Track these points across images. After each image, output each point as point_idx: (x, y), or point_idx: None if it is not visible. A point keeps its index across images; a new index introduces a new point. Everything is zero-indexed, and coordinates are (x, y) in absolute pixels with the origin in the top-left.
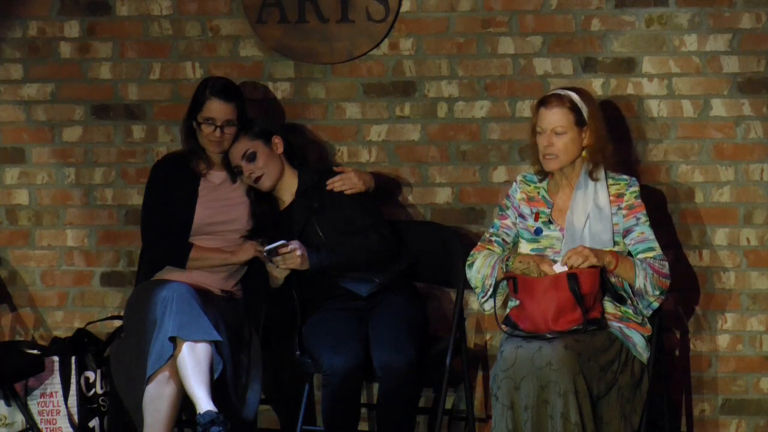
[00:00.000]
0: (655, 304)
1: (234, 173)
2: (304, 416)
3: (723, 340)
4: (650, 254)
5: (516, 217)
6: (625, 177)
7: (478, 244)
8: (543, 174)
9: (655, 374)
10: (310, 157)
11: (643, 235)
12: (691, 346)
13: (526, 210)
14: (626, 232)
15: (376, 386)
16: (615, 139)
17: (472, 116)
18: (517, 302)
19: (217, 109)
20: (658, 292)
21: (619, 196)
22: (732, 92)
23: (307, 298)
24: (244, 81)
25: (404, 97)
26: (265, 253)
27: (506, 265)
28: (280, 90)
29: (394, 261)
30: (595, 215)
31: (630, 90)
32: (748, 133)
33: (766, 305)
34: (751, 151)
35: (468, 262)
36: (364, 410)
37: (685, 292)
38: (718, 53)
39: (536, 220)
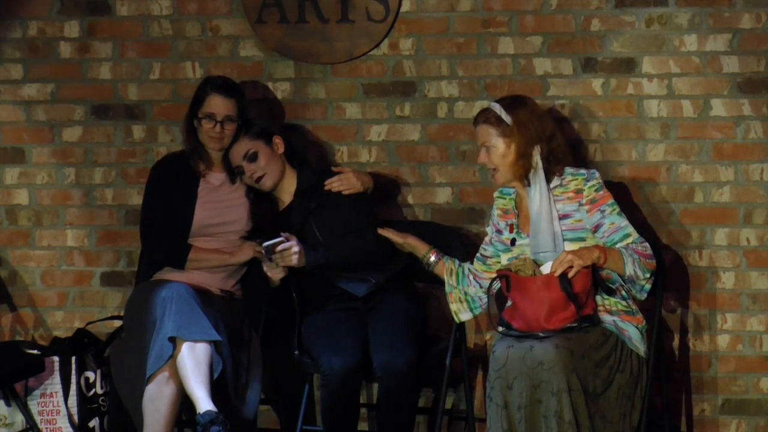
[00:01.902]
0: (648, 287)
1: (234, 174)
2: (304, 416)
3: (723, 340)
4: (628, 240)
5: (493, 233)
6: (583, 171)
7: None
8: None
9: (654, 374)
10: (310, 158)
11: (614, 226)
12: (691, 346)
13: (501, 224)
14: (595, 228)
15: (376, 386)
16: (615, 139)
17: (472, 116)
18: (510, 302)
19: (217, 104)
20: (648, 275)
21: (578, 192)
22: (732, 92)
23: (306, 299)
24: (244, 81)
25: (404, 97)
26: (262, 250)
27: (429, 263)
28: (280, 90)
29: (391, 261)
30: (538, 219)
31: (630, 90)
32: (748, 133)
33: (766, 305)
34: (751, 151)
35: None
36: (364, 410)
37: (685, 292)
38: (718, 53)
39: (511, 231)
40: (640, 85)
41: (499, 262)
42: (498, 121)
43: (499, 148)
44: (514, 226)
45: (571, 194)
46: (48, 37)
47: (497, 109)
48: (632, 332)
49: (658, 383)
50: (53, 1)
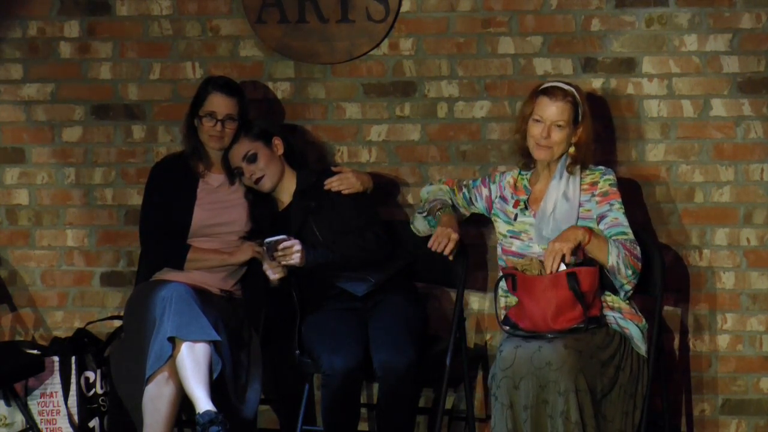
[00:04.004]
0: (628, 287)
1: (233, 175)
2: (304, 416)
3: (723, 340)
4: (622, 237)
5: (496, 196)
6: (601, 167)
7: (449, 179)
8: (528, 166)
9: (655, 374)
10: (310, 158)
11: (616, 221)
12: (691, 346)
13: (508, 193)
14: (600, 218)
15: (376, 386)
16: (614, 139)
17: (472, 116)
18: (515, 300)
19: (218, 103)
20: (630, 272)
21: (594, 184)
22: (732, 92)
23: (305, 298)
24: (244, 81)
25: (404, 97)
26: (264, 247)
27: (437, 215)
28: (280, 90)
29: (390, 260)
30: (561, 203)
31: (630, 90)
32: (748, 133)
33: (766, 305)
34: (751, 151)
35: (436, 185)
36: (364, 410)
37: (685, 292)
38: (718, 53)
39: (515, 206)
40: (640, 85)
41: (465, 207)
42: (575, 106)
43: (566, 131)
44: (521, 202)
45: (586, 186)
46: (48, 37)
47: (577, 96)
48: (633, 331)
49: (658, 383)
50: (53, 1)
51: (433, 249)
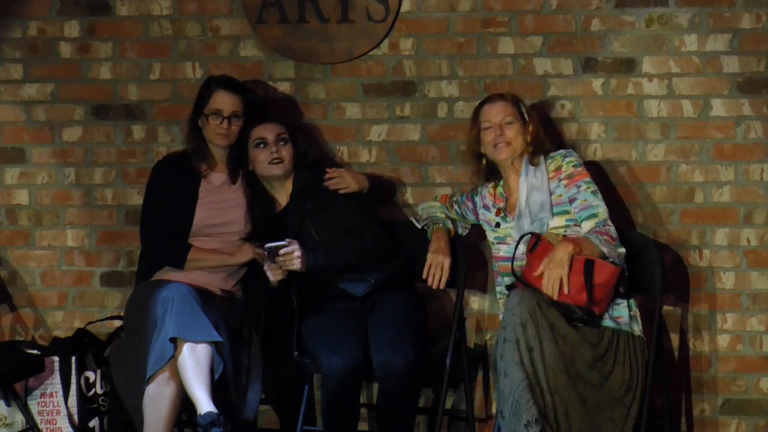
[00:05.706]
0: (619, 262)
1: (235, 173)
2: (304, 416)
3: (723, 340)
4: (593, 221)
5: (480, 206)
6: (561, 151)
7: (443, 195)
8: (496, 179)
9: (655, 374)
10: (310, 158)
11: (585, 202)
12: (691, 346)
13: (489, 202)
14: (571, 201)
15: (376, 386)
16: (615, 139)
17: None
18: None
19: (223, 100)
20: (621, 250)
21: (558, 168)
22: (732, 92)
23: (305, 299)
24: (244, 81)
25: (404, 97)
26: (265, 251)
27: (428, 229)
28: (280, 90)
29: (390, 260)
30: (532, 194)
31: (630, 90)
32: (748, 133)
33: (766, 305)
34: (751, 151)
35: (430, 201)
36: (364, 410)
37: (685, 292)
38: (718, 53)
39: (497, 215)
40: (640, 85)
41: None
42: (517, 104)
43: (518, 125)
44: (501, 210)
45: (551, 173)
46: (48, 37)
47: (515, 97)
48: (625, 317)
49: (658, 383)
50: (53, 1)
51: (428, 283)
